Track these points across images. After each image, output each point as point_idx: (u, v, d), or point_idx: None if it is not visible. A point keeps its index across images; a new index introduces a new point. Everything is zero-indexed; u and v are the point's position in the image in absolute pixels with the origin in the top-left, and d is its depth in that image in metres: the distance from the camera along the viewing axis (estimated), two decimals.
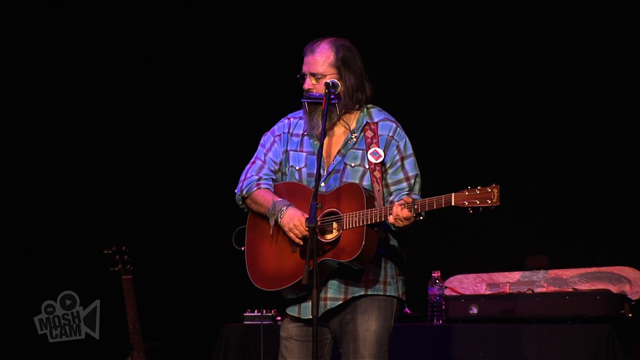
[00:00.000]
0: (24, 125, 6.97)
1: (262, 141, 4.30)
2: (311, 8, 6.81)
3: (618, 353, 5.03)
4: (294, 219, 4.02)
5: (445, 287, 5.64)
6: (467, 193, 3.90)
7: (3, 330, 6.77)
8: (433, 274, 5.56)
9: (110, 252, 5.88)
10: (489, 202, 3.89)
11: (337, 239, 4.00)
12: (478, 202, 3.88)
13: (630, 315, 5.28)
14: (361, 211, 3.97)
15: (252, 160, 4.28)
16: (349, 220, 3.98)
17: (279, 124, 4.30)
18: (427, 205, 3.90)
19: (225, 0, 7.00)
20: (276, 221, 4.07)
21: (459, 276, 5.80)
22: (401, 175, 4.14)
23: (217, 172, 6.89)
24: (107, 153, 7.05)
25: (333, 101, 4.11)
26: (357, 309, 4.08)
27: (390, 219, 3.92)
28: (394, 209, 3.92)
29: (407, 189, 4.12)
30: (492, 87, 6.50)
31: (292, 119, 4.28)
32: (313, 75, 4.14)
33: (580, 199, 6.24)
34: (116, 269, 5.87)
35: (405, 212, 3.90)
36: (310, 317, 4.04)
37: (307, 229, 3.97)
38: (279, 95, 6.59)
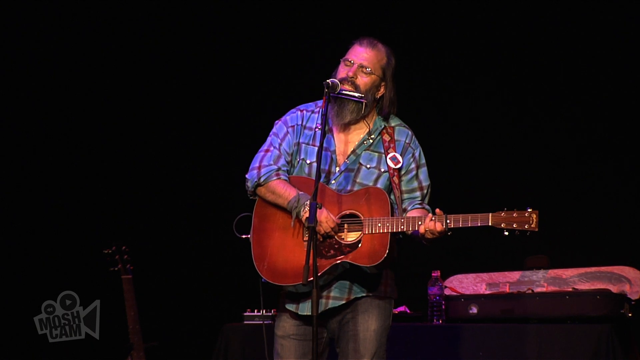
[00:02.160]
0: (24, 125, 6.97)
1: (274, 129, 4.24)
2: (311, 8, 6.81)
3: (618, 353, 5.03)
4: (319, 216, 3.94)
5: (445, 287, 5.64)
6: (503, 215, 3.88)
7: (3, 330, 6.77)
8: (433, 274, 5.56)
9: (110, 252, 5.88)
10: (527, 227, 3.86)
11: (358, 241, 3.97)
12: (515, 226, 3.87)
13: (630, 315, 5.28)
14: (387, 218, 3.94)
15: (265, 147, 4.21)
16: (372, 225, 3.95)
17: (291, 114, 4.25)
18: (460, 222, 3.90)
19: (225, 0, 7.00)
20: (297, 214, 4.01)
21: (459, 276, 5.80)
22: (415, 184, 4.15)
23: (217, 173, 6.89)
24: (107, 153, 7.04)
25: (360, 100, 4.09)
26: (357, 309, 4.07)
27: (421, 228, 3.92)
28: (426, 220, 3.91)
29: (419, 199, 4.13)
30: (491, 87, 6.50)
31: (304, 111, 4.24)
32: (362, 67, 4.11)
33: (580, 199, 6.24)
34: (116, 268, 5.87)
35: (439, 226, 3.90)
36: (308, 314, 4.04)
37: (331, 227, 3.94)
38: (278, 95, 6.62)
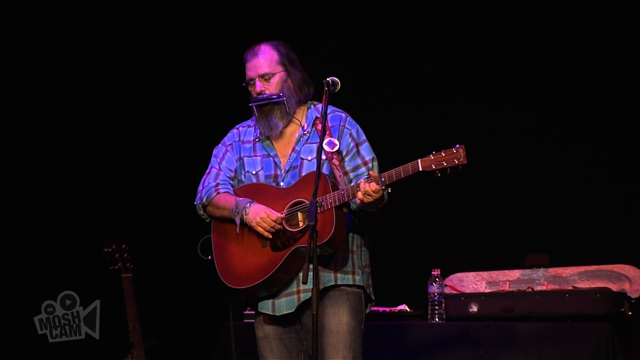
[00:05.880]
0: (24, 125, 6.97)
1: (214, 153, 4.42)
2: (306, 8, 6.82)
3: (618, 351, 5.03)
4: (259, 213, 4.08)
5: (445, 285, 5.64)
6: (432, 157, 3.90)
7: (3, 330, 6.77)
8: (433, 272, 5.56)
9: (110, 250, 5.89)
10: (456, 161, 3.88)
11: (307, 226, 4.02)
12: (445, 164, 3.88)
13: (630, 313, 5.28)
14: (328, 195, 4.01)
15: (207, 171, 4.37)
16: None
17: (228, 135, 4.43)
18: (394, 175, 3.93)
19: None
20: (241, 219, 4.13)
21: (459, 274, 5.80)
22: (359, 161, 4.22)
23: None
24: (106, 152, 7.04)
25: (281, 99, 4.20)
26: (326, 303, 4.13)
27: (359, 194, 3.96)
28: (361, 184, 3.96)
29: (366, 173, 4.18)
30: (492, 84, 6.49)
31: (240, 128, 4.41)
32: (262, 76, 4.24)
33: (580, 197, 6.24)
34: (116, 267, 5.88)
35: (373, 186, 3.94)
36: (284, 312, 4.14)
37: (274, 220, 4.04)
38: None
